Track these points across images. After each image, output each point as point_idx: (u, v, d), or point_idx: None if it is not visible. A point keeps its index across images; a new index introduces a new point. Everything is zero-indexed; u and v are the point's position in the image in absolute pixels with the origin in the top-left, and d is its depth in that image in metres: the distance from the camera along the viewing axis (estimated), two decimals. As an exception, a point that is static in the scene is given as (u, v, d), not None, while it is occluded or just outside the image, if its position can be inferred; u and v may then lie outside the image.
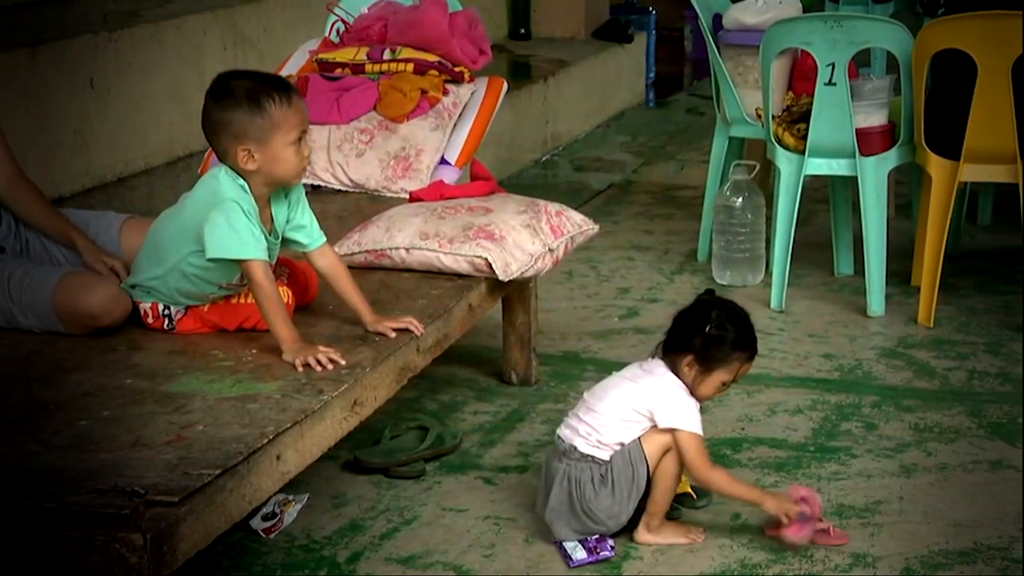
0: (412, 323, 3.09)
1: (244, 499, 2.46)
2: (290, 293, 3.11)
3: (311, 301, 3.21)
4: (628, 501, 2.98)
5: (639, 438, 2.98)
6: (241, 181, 2.94)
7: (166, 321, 3.07)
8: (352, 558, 3.01)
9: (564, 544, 3.00)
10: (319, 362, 2.84)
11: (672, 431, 2.96)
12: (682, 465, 3.00)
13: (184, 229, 2.99)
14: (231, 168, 2.95)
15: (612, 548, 2.99)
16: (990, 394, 3.88)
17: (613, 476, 2.97)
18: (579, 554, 2.97)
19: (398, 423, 3.55)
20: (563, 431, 3.04)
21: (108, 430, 2.54)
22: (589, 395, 3.07)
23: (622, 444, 2.98)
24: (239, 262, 2.92)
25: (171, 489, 2.30)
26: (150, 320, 3.08)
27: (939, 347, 4.23)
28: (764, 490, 3.11)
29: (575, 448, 2.99)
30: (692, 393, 3.00)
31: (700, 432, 2.99)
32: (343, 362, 2.86)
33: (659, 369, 3.03)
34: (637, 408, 2.98)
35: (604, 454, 2.98)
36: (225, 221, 2.90)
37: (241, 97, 2.92)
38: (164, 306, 3.07)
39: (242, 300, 3.09)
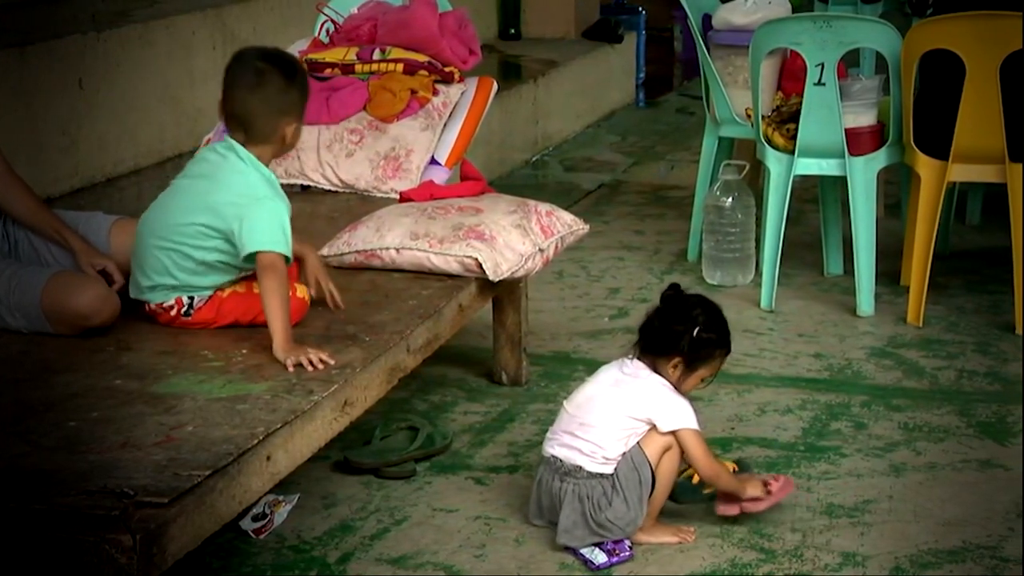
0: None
1: (234, 500, 2.46)
2: (308, 292, 3.14)
3: None
4: (640, 505, 2.98)
5: (639, 442, 2.99)
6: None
7: (185, 308, 3.07)
8: (342, 559, 3.01)
9: (581, 551, 2.98)
10: (311, 362, 2.84)
11: (674, 433, 2.98)
12: (678, 464, 3.01)
13: (211, 205, 3.01)
14: (254, 154, 3.02)
15: (631, 549, 2.99)
16: (979, 393, 3.89)
17: (621, 484, 2.96)
18: (600, 558, 2.96)
19: (388, 423, 3.55)
20: (559, 450, 3.01)
21: (97, 431, 2.54)
22: (574, 408, 3.04)
23: (624, 454, 2.98)
24: (269, 254, 2.95)
25: (161, 490, 2.30)
26: (172, 313, 3.08)
27: (928, 346, 4.24)
28: (739, 479, 3.11)
29: (581, 468, 2.98)
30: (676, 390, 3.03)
31: (697, 427, 3.01)
32: (332, 362, 2.86)
33: (643, 372, 3.03)
34: (634, 416, 2.99)
35: (610, 468, 2.98)
36: (278, 216, 2.97)
37: (303, 72, 3.10)
38: (188, 297, 3.07)
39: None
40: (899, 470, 3.42)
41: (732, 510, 3.09)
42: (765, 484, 3.09)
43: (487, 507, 3.23)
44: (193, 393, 2.72)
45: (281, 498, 3.13)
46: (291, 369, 2.83)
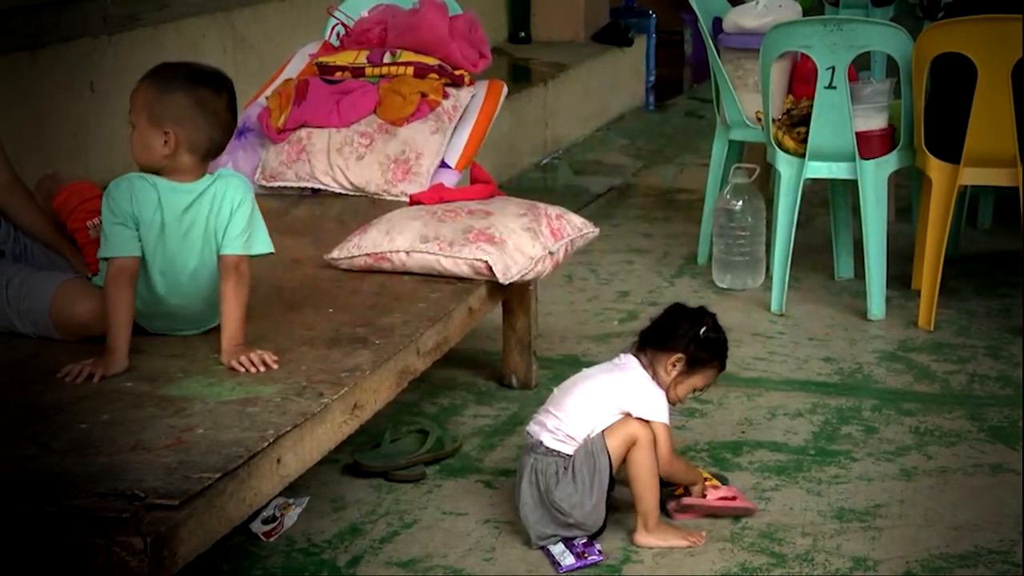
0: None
1: (244, 502, 2.46)
2: None
3: None
4: (590, 491, 2.99)
5: (602, 431, 3.01)
6: None
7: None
8: (352, 562, 3.01)
9: (551, 550, 3.00)
10: (251, 362, 2.83)
11: (647, 422, 3.00)
12: (653, 461, 3.02)
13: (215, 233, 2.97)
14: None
15: (600, 552, 2.99)
16: (990, 397, 3.88)
17: (575, 466, 2.99)
18: (567, 560, 2.96)
19: (398, 426, 3.55)
20: (531, 427, 3.08)
21: (108, 433, 2.54)
22: (558, 391, 3.12)
23: (586, 438, 3.01)
24: (234, 256, 2.95)
25: (171, 492, 2.30)
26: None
27: (939, 350, 4.23)
28: (693, 475, 3.17)
29: (541, 443, 3.02)
30: (666, 392, 3.06)
31: (668, 423, 3.05)
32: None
33: (630, 364, 3.07)
34: (608, 402, 3.02)
35: (570, 448, 3.01)
36: (248, 217, 2.97)
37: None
38: None
39: None
40: (910, 474, 3.41)
41: (679, 516, 3.16)
42: (705, 487, 3.16)
43: (496, 510, 3.23)
44: (203, 396, 2.72)
45: (291, 501, 3.13)
46: (240, 369, 2.82)
